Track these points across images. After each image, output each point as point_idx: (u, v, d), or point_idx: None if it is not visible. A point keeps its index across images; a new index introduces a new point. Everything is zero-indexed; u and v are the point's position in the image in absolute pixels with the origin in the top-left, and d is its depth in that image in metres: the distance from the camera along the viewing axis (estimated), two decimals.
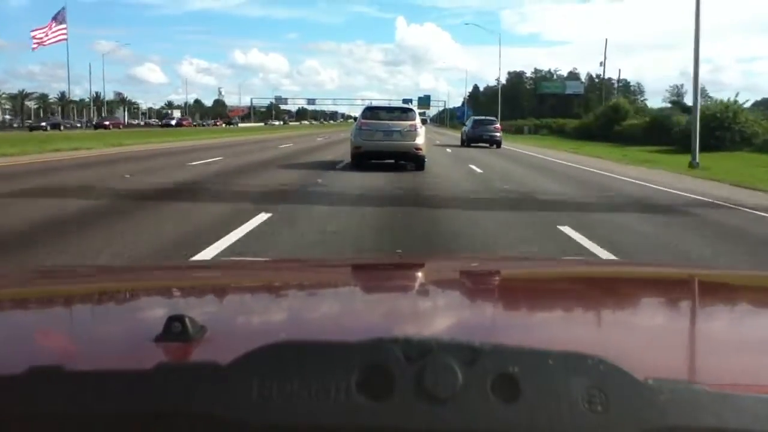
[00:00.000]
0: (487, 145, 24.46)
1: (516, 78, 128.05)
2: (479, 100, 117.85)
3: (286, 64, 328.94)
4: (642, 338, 0.75)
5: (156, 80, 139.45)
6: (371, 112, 13.24)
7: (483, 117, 29.03)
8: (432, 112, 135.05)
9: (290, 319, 0.82)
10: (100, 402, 0.44)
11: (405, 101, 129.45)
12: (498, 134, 25.85)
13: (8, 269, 1.83)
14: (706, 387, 0.44)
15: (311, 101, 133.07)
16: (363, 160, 12.08)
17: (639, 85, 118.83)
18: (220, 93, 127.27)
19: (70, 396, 0.44)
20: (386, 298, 0.97)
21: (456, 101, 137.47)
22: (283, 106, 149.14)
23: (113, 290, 0.99)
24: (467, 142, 25.44)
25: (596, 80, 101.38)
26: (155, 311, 0.83)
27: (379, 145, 12.33)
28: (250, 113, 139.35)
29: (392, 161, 11.79)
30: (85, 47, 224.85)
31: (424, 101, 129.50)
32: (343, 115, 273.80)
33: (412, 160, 12.12)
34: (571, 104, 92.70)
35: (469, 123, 27.63)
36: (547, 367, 0.44)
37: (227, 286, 1.02)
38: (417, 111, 13.23)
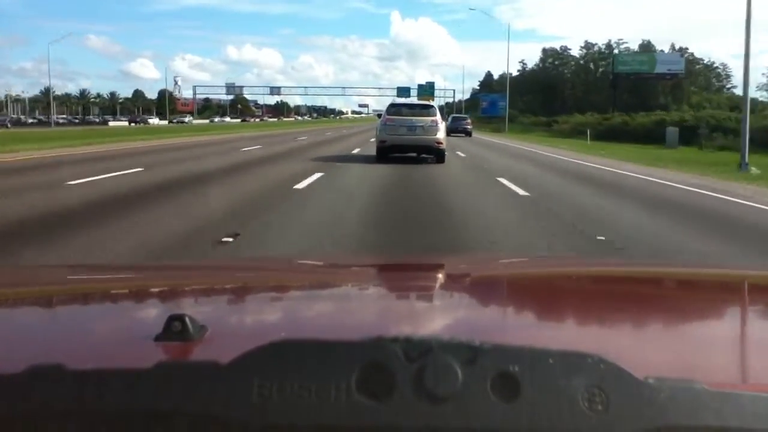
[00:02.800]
0: (462, 134, 35.70)
1: (555, 57, 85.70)
2: (493, 88, 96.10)
3: (280, 59, 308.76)
4: (642, 338, 0.79)
5: (148, 76, 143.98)
6: (395, 108, 15.20)
7: (459, 115, 42.80)
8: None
9: (290, 318, 0.87)
10: (100, 402, 0.45)
11: (401, 91, 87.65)
12: (469, 126, 38.00)
13: (8, 268, 1.92)
14: (705, 386, 0.46)
15: (275, 90, 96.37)
16: (387, 153, 14.08)
17: (725, 66, 76.06)
18: (175, 83, 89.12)
19: (70, 396, 0.46)
20: (386, 298, 1.04)
21: (455, 95, 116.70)
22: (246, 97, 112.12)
23: (113, 289, 1.06)
24: (449, 132, 30.78)
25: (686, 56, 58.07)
26: (155, 310, 0.89)
27: (403, 139, 14.17)
28: (211, 106, 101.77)
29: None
30: (78, 42, 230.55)
31: (426, 90, 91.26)
32: (333, 111, 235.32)
33: (433, 154, 14.09)
34: (651, 91, 50.28)
35: (450, 119, 36.84)
36: (547, 366, 0.44)
37: (227, 286, 1.11)
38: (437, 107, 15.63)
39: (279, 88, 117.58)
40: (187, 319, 0.60)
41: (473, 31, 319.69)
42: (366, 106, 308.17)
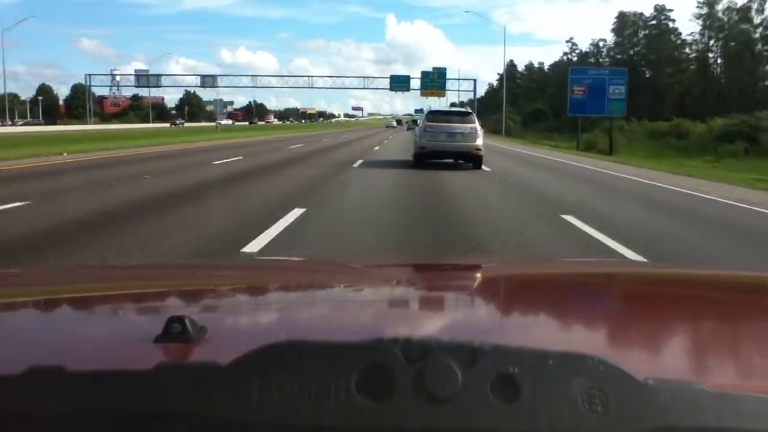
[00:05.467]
0: None
1: (640, 26, 40.00)
2: (516, 82, 73.18)
3: (275, 62, 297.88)
4: (642, 338, 0.87)
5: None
6: (434, 115, 17.14)
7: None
8: (445, 100, 62.62)
9: (290, 319, 0.96)
10: (100, 402, 0.49)
11: (395, 80, 76.71)
12: None
13: (8, 269, 2.00)
14: (705, 387, 0.49)
15: (208, 81, 59.38)
16: (424, 159, 16.05)
17: None
18: (112, 77, 49.72)
19: (70, 396, 0.49)
20: (386, 298, 1.12)
21: (476, 87, 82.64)
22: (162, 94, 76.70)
23: (113, 290, 1.15)
24: None
25: None
26: (155, 312, 0.98)
27: (443, 145, 15.67)
28: (141, 105, 64.50)
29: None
30: (73, 46, 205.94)
31: (434, 82, 55.73)
32: (322, 114, 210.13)
33: (471, 161, 15.89)
34: None
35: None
36: (547, 367, 0.47)
37: (227, 287, 1.19)
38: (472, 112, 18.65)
39: (214, 77, 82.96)
40: (186, 321, 0.65)
41: (469, 35, 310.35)
42: (360, 108, 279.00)
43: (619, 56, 63.73)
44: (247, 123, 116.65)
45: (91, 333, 0.84)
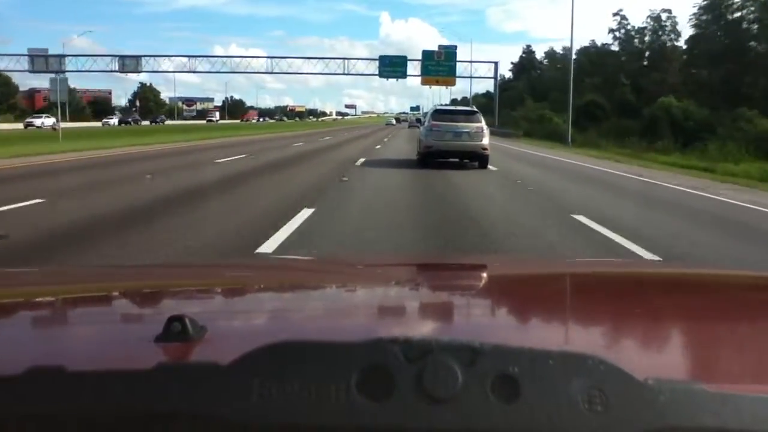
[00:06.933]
0: None
1: None
2: (537, 72, 62.85)
3: (267, 60, 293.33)
4: (642, 339, 0.93)
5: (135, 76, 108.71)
6: (440, 114, 18.28)
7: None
8: (456, 90, 40.06)
9: (290, 319, 1.01)
10: (100, 402, 0.50)
11: (385, 62, 61.72)
12: None
13: (9, 269, 2.02)
14: (705, 387, 0.51)
15: (129, 64, 37.44)
16: (430, 158, 17.50)
17: None
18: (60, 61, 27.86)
19: (70, 396, 0.51)
20: (386, 298, 1.17)
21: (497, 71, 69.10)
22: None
23: (113, 290, 1.20)
24: None
25: None
26: (155, 311, 1.04)
27: (449, 144, 16.87)
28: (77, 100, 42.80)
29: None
30: (64, 43, 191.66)
31: (441, 67, 60.35)
32: (312, 112, 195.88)
33: (477, 160, 17.28)
34: None
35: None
36: (547, 367, 0.49)
37: (227, 286, 1.24)
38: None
39: (137, 58, 63.71)
40: (187, 320, 0.67)
41: (465, 33, 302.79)
42: (353, 106, 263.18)
43: (703, 26, 45.27)
44: (149, 122, 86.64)
45: (91, 333, 0.86)
